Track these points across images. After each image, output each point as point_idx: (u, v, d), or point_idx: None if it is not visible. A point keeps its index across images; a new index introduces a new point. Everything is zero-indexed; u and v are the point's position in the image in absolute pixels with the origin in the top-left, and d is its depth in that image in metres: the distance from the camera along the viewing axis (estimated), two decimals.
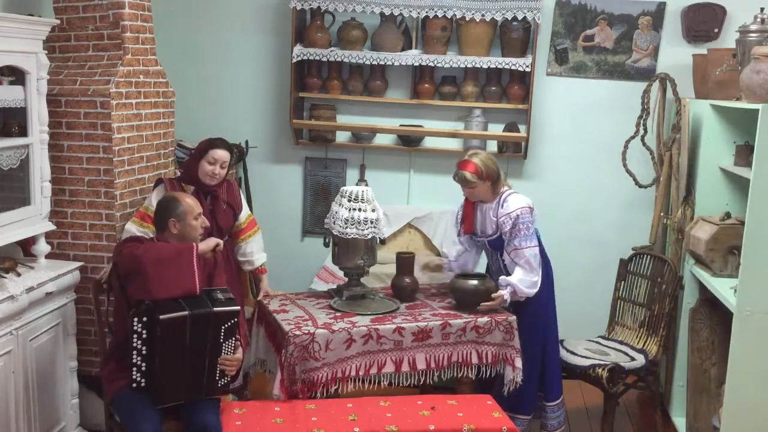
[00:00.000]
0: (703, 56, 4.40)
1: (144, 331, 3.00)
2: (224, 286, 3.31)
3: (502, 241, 3.77)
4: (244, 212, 3.98)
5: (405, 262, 3.91)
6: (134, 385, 3.04)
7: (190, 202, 3.33)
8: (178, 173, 4.28)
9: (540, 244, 3.87)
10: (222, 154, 3.74)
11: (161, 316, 2.94)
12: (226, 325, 3.09)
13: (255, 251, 3.98)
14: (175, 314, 2.98)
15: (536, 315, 3.81)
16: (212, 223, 3.79)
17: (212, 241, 3.31)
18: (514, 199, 3.74)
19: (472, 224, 3.88)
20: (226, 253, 3.85)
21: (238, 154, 5.07)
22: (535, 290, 3.72)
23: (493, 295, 3.67)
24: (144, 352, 3.01)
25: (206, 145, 3.77)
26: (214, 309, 3.06)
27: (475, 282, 3.73)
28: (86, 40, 3.98)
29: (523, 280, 3.69)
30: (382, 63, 4.87)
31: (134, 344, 3.00)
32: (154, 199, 3.75)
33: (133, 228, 3.67)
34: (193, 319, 3.01)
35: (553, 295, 3.94)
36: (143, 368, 3.03)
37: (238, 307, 3.16)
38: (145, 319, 2.99)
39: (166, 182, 3.80)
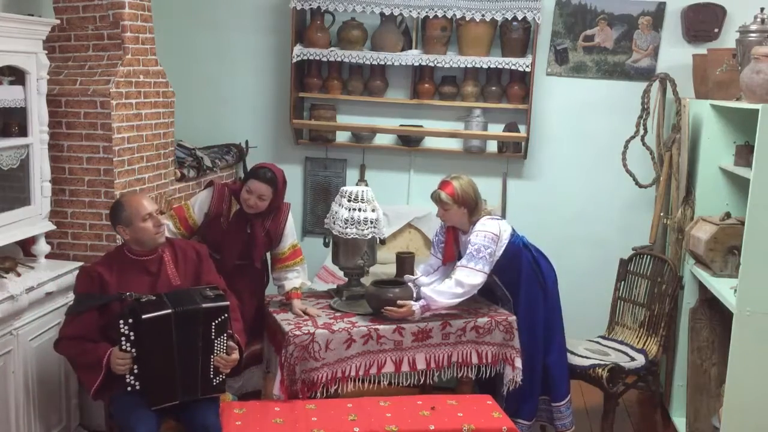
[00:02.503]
0: (703, 56, 4.40)
1: (131, 333, 2.98)
2: (215, 283, 3.29)
3: None
4: (288, 242, 3.81)
5: (405, 262, 3.91)
6: (129, 388, 3.03)
7: (136, 203, 3.19)
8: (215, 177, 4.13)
9: (531, 251, 3.81)
10: (259, 187, 3.61)
11: (143, 316, 2.94)
12: (216, 322, 3.07)
13: (290, 278, 3.80)
14: (157, 313, 2.96)
15: (534, 321, 3.77)
16: (249, 245, 3.72)
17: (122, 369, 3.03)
18: (483, 223, 3.66)
19: (453, 254, 3.79)
20: (249, 280, 3.80)
21: (238, 153, 5.07)
22: (450, 304, 3.60)
23: (399, 302, 3.53)
24: (134, 354, 3.00)
25: (250, 172, 3.69)
26: (203, 305, 3.04)
27: (395, 290, 3.58)
28: (86, 40, 3.98)
29: (443, 293, 3.55)
30: (382, 63, 4.87)
31: (123, 347, 2.99)
32: (197, 200, 3.75)
33: (168, 225, 3.61)
34: (178, 317, 3.00)
35: (556, 299, 3.90)
36: (135, 371, 3.01)
37: (227, 303, 3.12)
38: (130, 320, 2.97)
39: (217, 187, 3.74)
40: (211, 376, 3.11)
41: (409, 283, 3.72)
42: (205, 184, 3.94)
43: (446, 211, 3.69)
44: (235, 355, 3.17)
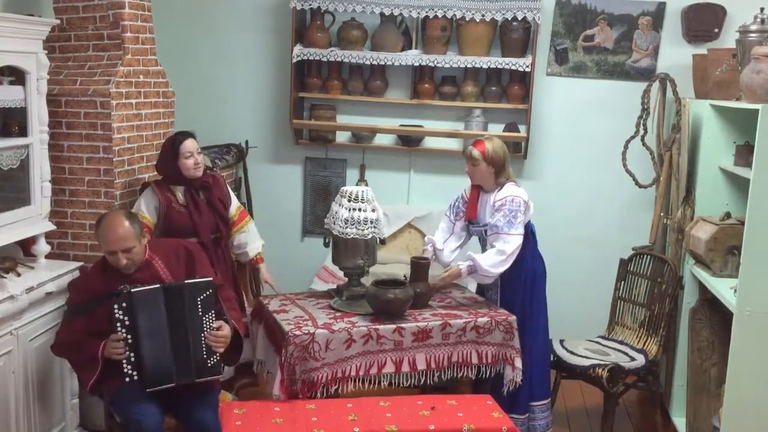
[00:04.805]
0: (703, 56, 4.40)
1: (126, 318, 3.04)
2: (209, 276, 3.31)
3: None
4: (234, 204, 4.02)
5: (420, 267, 3.79)
6: (127, 378, 3.06)
7: (110, 234, 3.12)
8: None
9: (532, 241, 3.87)
10: (191, 144, 3.78)
11: (133, 290, 3.04)
12: (202, 297, 3.13)
13: (249, 241, 4.03)
14: (147, 287, 3.08)
15: (521, 316, 3.78)
16: (213, 216, 3.85)
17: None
18: (510, 188, 3.81)
19: (476, 210, 3.90)
20: (221, 253, 3.90)
21: (238, 153, 5.07)
22: (496, 273, 3.72)
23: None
24: (129, 341, 3.05)
25: (173, 144, 3.77)
26: (186, 281, 3.18)
27: (395, 290, 3.55)
28: (86, 40, 3.98)
29: (489, 261, 3.70)
30: (382, 63, 4.87)
31: (119, 332, 3.04)
32: (141, 203, 3.79)
33: None
34: (166, 292, 3.10)
35: (543, 295, 3.91)
36: (132, 359, 3.06)
37: (210, 278, 3.21)
38: (124, 304, 3.04)
39: (154, 187, 3.80)
40: (205, 356, 3.14)
41: (428, 247, 3.95)
42: (141, 187, 3.95)
43: (474, 167, 3.82)
44: (226, 331, 3.18)
